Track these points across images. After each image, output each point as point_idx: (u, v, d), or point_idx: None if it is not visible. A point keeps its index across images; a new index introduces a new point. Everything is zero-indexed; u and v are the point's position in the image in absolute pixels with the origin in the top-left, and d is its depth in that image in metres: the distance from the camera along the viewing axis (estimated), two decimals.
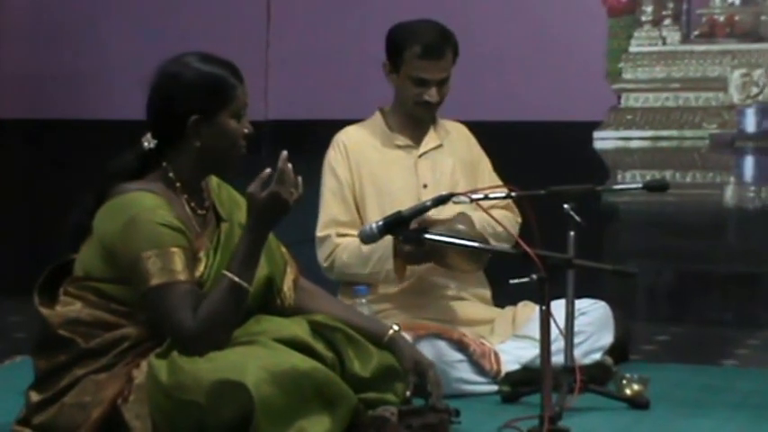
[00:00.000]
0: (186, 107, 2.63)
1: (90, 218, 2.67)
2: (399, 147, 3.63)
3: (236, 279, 2.59)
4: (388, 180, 3.57)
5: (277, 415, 2.46)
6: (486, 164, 3.73)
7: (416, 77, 3.52)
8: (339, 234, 3.54)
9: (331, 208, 3.57)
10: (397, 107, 3.63)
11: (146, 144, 2.67)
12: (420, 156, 3.62)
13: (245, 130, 2.70)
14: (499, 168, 3.75)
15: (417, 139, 3.64)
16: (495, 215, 3.29)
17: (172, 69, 2.68)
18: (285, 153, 2.60)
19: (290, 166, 2.61)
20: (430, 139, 3.65)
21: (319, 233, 3.57)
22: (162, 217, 2.60)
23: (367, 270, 3.48)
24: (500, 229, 3.38)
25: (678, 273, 5.29)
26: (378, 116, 3.66)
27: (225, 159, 2.70)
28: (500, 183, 3.54)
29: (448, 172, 3.60)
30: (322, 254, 3.56)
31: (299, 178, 2.64)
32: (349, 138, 3.62)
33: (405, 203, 3.24)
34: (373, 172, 3.59)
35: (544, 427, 2.70)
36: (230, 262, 2.62)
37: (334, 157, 3.61)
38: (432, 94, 3.53)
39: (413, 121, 3.64)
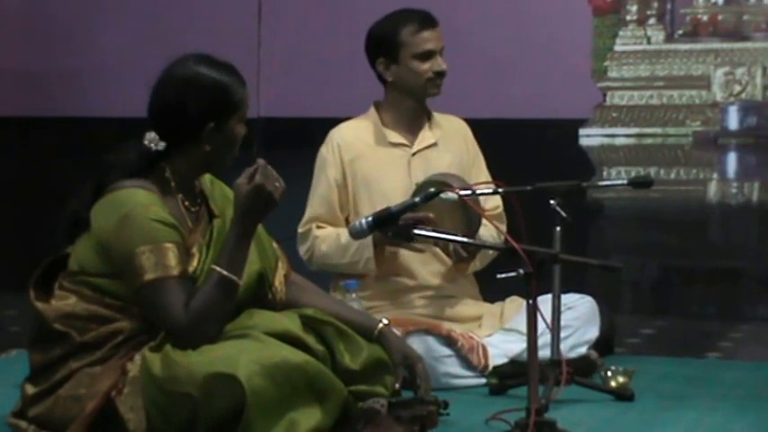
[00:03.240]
0: (202, 115, 2.65)
1: (87, 208, 2.69)
2: (393, 145, 3.63)
3: (225, 272, 2.61)
4: (381, 178, 3.59)
5: (268, 407, 2.49)
6: (481, 162, 3.72)
7: (422, 51, 3.52)
8: (318, 227, 3.58)
9: (315, 208, 3.60)
10: (394, 103, 3.62)
11: (152, 146, 2.68)
12: (413, 154, 3.63)
13: (243, 132, 2.74)
14: (486, 165, 3.78)
15: (411, 137, 3.65)
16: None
17: (183, 75, 2.68)
18: (261, 160, 2.65)
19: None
20: (424, 138, 3.65)
21: (300, 229, 3.60)
22: (156, 213, 2.62)
23: (346, 259, 3.51)
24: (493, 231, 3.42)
25: (662, 267, 5.33)
26: (372, 112, 3.66)
27: (224, 161, 2.73)
28: (492, 182, 3.57)
29: (441, 171, 3.56)
30: (302, 247, 3.59)
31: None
32: (342, 136, 3.63)
33: (396, 201, 3.27)
34: (366, 170, 3.60)
35: (531, 418, 2.70)
36: (219, 256, 2.65)
37: (326, 156, 3.62)
38: (441, 63, 3.54)
39: (409, 118, 3.63)
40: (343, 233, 3.50)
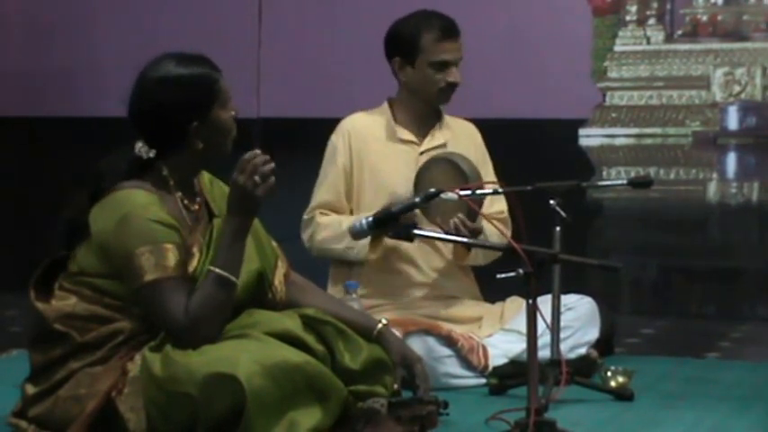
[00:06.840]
0: (183, 116, 2.65)
1: (83, 216, 2.68)
2: (402, 141, 3.63)
3: (221, 272, 2.61)
4: (387, 174, 3.59)
5: (269, 407, 2.49)
6: (488, 167, 3.72)
7: (439, 61, 3.52)
8: (323, 214, 3.58)
9: (322, 194, 3.60)
10: (406, 102, 3.63)
11: (143, 154, 2.67)
12: (422, 153, 3.62)
13: (233, 113, 2.72)
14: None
15: (422, 135, 3.65)
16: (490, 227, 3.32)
17: (156, 78, 2.68)
18: (257, 151, 2.62)
19: (261, 159, 2.60)
20: (434, 137, 3.65)
21: (305, 216, 3.61)
22: (155, 213, 2.62)
23: (342, 245, 3.51)
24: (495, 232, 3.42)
25: (662, 267, 5.34)
26: (385, 107, 3.66)
27: (222, 150, 2.72)
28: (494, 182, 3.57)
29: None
30: (305, 234, 3.60)
31: (267, 168, 2.60)
32: (354, 126, 3.63)
33: (400, 197, 3.28)
34: (373, 164, 3.60)
35: (531, 418, 2.70)
36: (214, 256, 2.65)
37: (336, 143, 3.62)
38: (455, 75, 3.54)
39: (420, 117, 3.64)
40: (346, 220, 3.50)
